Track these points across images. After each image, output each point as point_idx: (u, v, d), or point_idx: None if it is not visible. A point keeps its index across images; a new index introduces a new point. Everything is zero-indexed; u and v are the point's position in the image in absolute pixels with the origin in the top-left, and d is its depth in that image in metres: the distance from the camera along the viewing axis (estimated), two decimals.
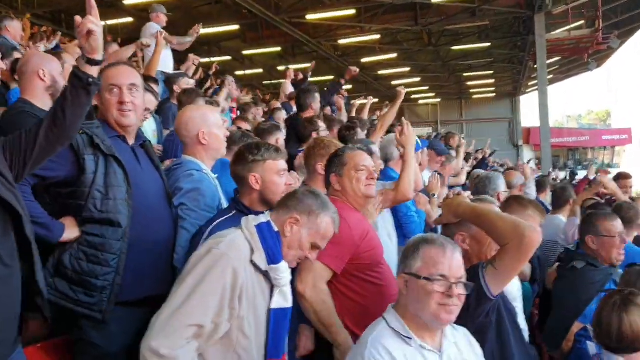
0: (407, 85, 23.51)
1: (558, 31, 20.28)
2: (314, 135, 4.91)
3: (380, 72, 25.96)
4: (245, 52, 21.65)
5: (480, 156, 14.70)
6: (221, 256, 2.05)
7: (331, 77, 21.41)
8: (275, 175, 2.64)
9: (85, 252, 2.45)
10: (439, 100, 36.12)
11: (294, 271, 2.41)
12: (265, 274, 2.15)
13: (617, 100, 67.42)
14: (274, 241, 2.16)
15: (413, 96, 32.19)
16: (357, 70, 7.44)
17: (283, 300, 2.21)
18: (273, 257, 2.14)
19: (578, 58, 24.04)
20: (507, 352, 2.37)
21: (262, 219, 2.21)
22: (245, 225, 2.19)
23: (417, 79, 28.16)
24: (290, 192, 2.37)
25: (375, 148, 4.03)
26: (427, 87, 31.16)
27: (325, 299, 2.57)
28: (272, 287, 2.18)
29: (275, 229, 2.19)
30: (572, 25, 19.47)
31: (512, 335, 2.43)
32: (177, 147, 4.28)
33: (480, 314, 2.31)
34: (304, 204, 2.23)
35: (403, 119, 3.83)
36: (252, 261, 2.10)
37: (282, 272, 2.17)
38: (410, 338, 2.01)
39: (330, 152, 3.07)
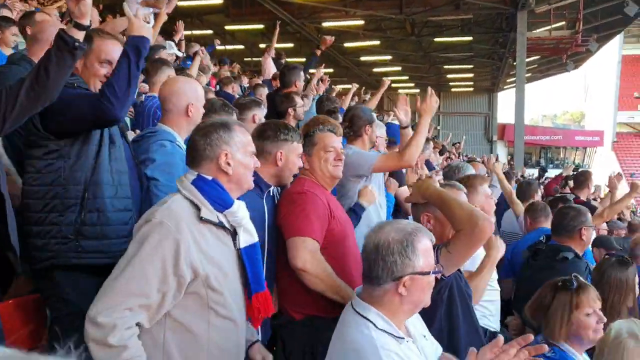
0: (387, 74, 23.63)
1: (539, 30, 20.56)
2: (291, 111, 4.95)
3: (362, 59, 25.98)
4: (227, 27, 21.43)
5: (454, 150, 14.94)
6: (157, 225, 2.01)
7: None
8: (297, 157, 2.85)
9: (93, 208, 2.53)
10: (417, 90, 36.29)
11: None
12: (220, 224, 2.14)
13: (591, 103, 68.48)
14: (215, 188, 2.13)
15: (393, 85, 32.22)
16: (332, 38, 7.39)
17: (249, 236, 2.23)
18: (223, 203, 2.13)
19: (557, 58, 24.40)
20: (455, 329, 2.53)
21: (191, 176, 2.16)
22: (182, 187, 2.14)
23: (398, 68, 28.28)
24: (193, 146, 2.24)
25: (377, 120, 4.15)
26: (407, 77, 31.27)
27: (326, 266, 2.65)
28: (234, 230, 2.18)
29: (209, 177, 2.15)
30: (553, 26, 19.76)
31: (462, 314, 2.57)
32: (147, 117, 4.27)
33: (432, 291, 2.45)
34: (214, 139, 2.17)
35: (429, 88, 3.91)
36: (202, 218, 2.08)
37: (239, 211, 2.17)
38: (402, 338, 1.96)
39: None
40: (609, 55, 54.62)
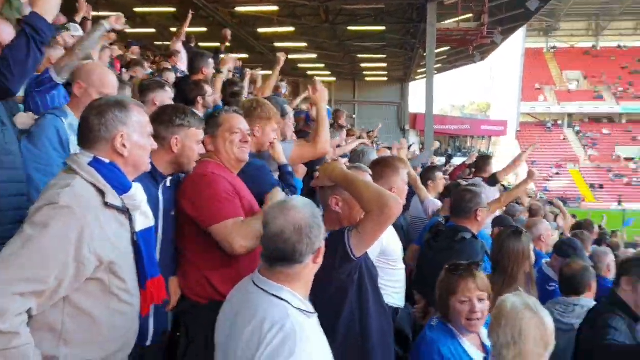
0: (303, 62, 23.57)
1: (448, 22, 21.25)
2: (199, 99, 4.83)
3: (277, 45, 25.77)
4: (137, 10, 20.61)
5: (364, 135, 15.14)
6: (64, 209, 1.92)
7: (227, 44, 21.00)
8: (195, 142, 2.75)
9: None
10: (334, 79, 36.61)
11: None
12: (123, 208, 2.08)
13: (496, 94, 71.92)
14: (114, 171, 2.07)
15: (309, 72, 32.34)
16: (229, 31, 7.32)
17: (145, 219, 2.19)
18: (123, 187, 2.07)
19: (464, 50, 25.35)
20: (365, 309, 2.56)
21: (86, 157, 2.06)
22: (80, 169, 2.04)
23: (314, 56, 28.33)
24: (86, 126, 2.15)
25: (290, 109, 4.13)
26: (323, 65, 31.43)
27: (253, 227, 2.60)
28: (130, 213, 2.12)
29: (106, 160, 2.08)
30: (461, 17, 20.49)
31: (372, 294, 2.60)
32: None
33: (342, 273, 2.48)
34: (109, 118, 2.09)
35: (315, 77, 3.91)
36: (106, 204, 2.02)
37: (137, 195, 2.12)
38: (313, 313, 1.98)
39: (272, 114, 3.27)
40: (513, 47, 57.53)
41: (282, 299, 1.90)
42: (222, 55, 7.25)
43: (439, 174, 6.37)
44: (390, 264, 3.27)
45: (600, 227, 15.78)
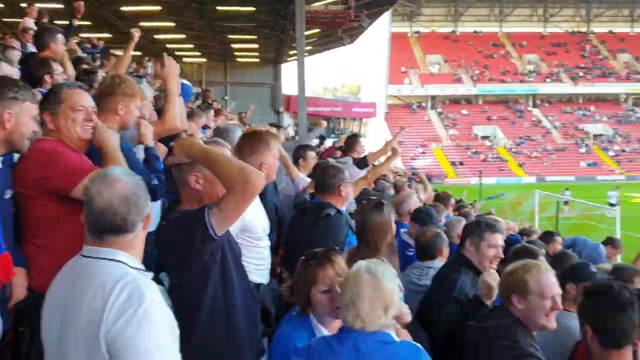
0: (171, 42, 22.62)
1: (317, 4, 21.52)
2: (47, 78, 4.48)
3: (142, 24, 24.61)
4: None
5: (236, 118, 14.97)
6: None
7: (88, 23, 19.74)
8: (30, 118, 2.58)
9: None
10: (204, 60, 35.76)
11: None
12: None
13: (366, 77, 74.31)
14: None
15: (178, 53, 31.28)
16: (82, 3, 6.88)
17: None
18: None
19: (334, 32, 25.86)
20: (229, 288, 2.50)
21: None
22: None
23: (182, 36, 27.45)
24: None
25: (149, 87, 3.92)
26: (192, 46, 30.56)
27: None
28: None
29: None
30: (329, 0, 20.83)
31: (235, 272, 2.55)
32: None
33: (204, 253, 2.39)
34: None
35: (164, 53, 3.75)
36: None
37: None
38: (150, 273, 2.00)
39: (135, 91, 3.14)
40: (380, 32, 59.65)
41: (118, 261, 1.86)
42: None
43: (311, 153, 6.43)
44: (253, 241, 3.21)
45: (460, 200, 17.01)
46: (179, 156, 2.56)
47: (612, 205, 30.64)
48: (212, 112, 7.40)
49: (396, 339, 2.31)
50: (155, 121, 3.61)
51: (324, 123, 13.81)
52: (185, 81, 3.97)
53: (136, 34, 5.44)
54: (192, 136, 2.75)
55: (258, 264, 3.28)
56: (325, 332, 2.59)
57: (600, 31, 75.28)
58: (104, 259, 1.85)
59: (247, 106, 22.52)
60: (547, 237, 6.71)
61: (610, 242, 7.73)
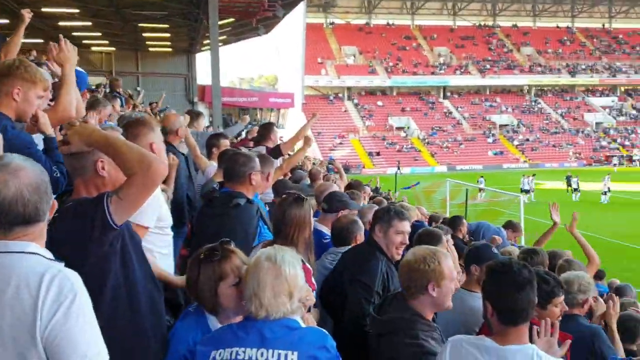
0: (77, 30, 21.64)
1: None
2: None
3: (44, 10, 23.28)
4: None
5: (149, 109, 14.50)
6: None
7: None
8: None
9: None
10: (113, 49, 34.35)
11: None
12: None
13: (282, 67, 74.24)
14: None
15: (84, 41, 29.87)
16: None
17: None
18: None
19: (248, 22, 25.56)
20: (131, 277, 2.40)
21: None
22: None
23: (88, 24, 26.17)
24: None
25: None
26: (100, 34, 29.23)
27: None
28: None
29: None
30: None
31: (136, 262, 2.44)
32: None
33: (103, 244, 2.28)
34: None
35: (61, 35, 3.53)
36: None
37: None
38: (61, 263, 1.92)
39: (38, 79, 3.00)
40: (295, 22, 59.65)
41: (33, 253, 1.79)
42: None
43: (224, 141, 6.32)
44: (164, 230, 3.11)
45: (376, 188, 17.37)
46: (77, 144, 2.43)
47: (525, 191, 32.71)
48: (117, 101, 7.08)
49: (302, 324, 2.30)
50: (47, 108, 3.38)
51: (247, 118, 13.65)
52: (79, 68, 3.74)
53: (27, 14, 5.08)
54: (86, 122, 2.57)
55: (166, 254, 3.17)
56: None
57: (505, 25, 79.03)
58: (16, 252, 1.77)
59: (159, 96, 21.90)
60: (453, 222, 6.97)
61: (510, 225, 8.19)
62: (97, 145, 2.38)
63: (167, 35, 30.78)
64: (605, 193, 32.37)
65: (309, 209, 3.39)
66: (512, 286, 2.39)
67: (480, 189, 32.65)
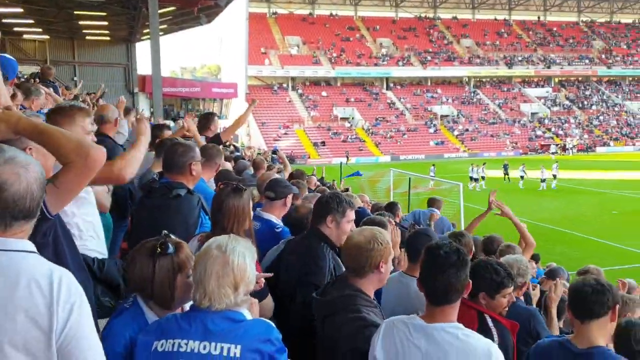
0: (7, 16, 20.69)
1: None
2: None
3: None
4: None
5: (88, 99, 14.03)
6: None
7: None
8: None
9: None
10: (47, 37, 32.98)
11: None
12: None
13: (225, 57, 73.25)
14: None
15: (16, 29, 28.57)
16: None
17: None
18: None
19: (190, 11, 25.05)
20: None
21: None
22: None
23: (19, 10, 25.01)
24: None
25: None
26: (32, 21, 27.97)
27: None
28: None
29: None
30: None
31: (69, 253, 2.38)
32: None
33: (37, 233, 2.19)
34: None
35: None
36: None
37: None
38: None
39: None
40: (238, 12, 58.95)
41: (31, 252, 1.82)
42: None
43: (168, 132, 6.24)
44: (87, 195, 3.01)
45: (321, 178, 17.46)
46: (2, 132, 2.30)
47: (474, 179, 33.91)
48: (51, 89, 6.83)
49: (248, 317, 2.26)
50: None
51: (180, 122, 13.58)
52: (8, 55, 3.57)
53: None
54: (9, 108, 2.43)
55: (94, 237, 3.05)
56: None
57: (445, 17, 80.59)
58: (17, 250, 1.76)
59: (98, 87, 21.22)
60: (390, 208, 7.22)
61: (432, 202, 8.79)
62: (25, 133, 2.29)
63: (105, 23, 29.77)
64: (543, 180, 33.84)
65: (248, 199, 3.32)
66: (437, 268, 2.48)
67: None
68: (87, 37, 34.35)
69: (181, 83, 48.15)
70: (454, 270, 2.46)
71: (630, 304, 4.36)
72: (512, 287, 3.29)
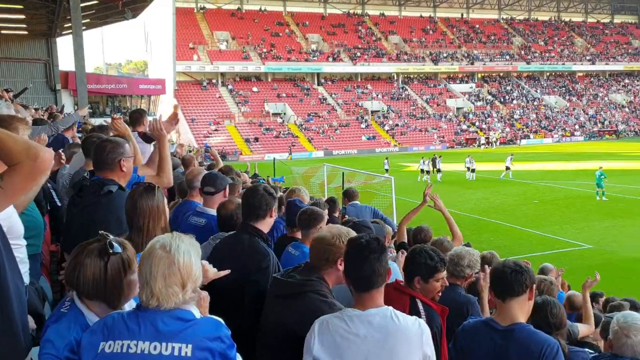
0: None
1: None
2: None
3: None
4: None
5: (6, 95, 13.35)
6: None
7: None
8: None
9: None
10: None
11: None
12: None
13: (152, 53, 71.40)
14: None
15: None
16: None
17: None
18: None
19: (114, 5, 24.30)
20: (2, 274, 2.28)
21: None
22: None
23: None
24: None
25: None
26: None
27: None
28: None
29: None
30: None
31: (8, 265, 2.32)
32: None
33: None
34: None
35: None
36: None
37: None
38: None
39: None
40: (165, 6, 57.55)
41: None
42: None
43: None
44: (17, 242, 2.91)
45: (255, 175, 17.41)
46: None
47: (425, 172, 35.08)
48: None
49: (197, 315, 2.27)
50: None
51: (86, 110, 13.00)
52: None
53: None
54: None
55: (21, 267, 2.97)
56: None
57: (373, 14, 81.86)
58: None
59: (19, 84, 20.26)
60: (331, 202, 7.34)
61: (346, 194, 9.33)
62: None
63: (22, 17, 28.39)
64: (473, 170, 35.24)
65: (161, 198, 3.25)
66: (361, 256, 2.64)
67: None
68: (2, 32, 32.64)
69: (106, 80, 46.69)
70: (376, 256, 2.62)
71: (551, 286, 4.65)
72: (444, 272, 3.46)
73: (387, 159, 39.29)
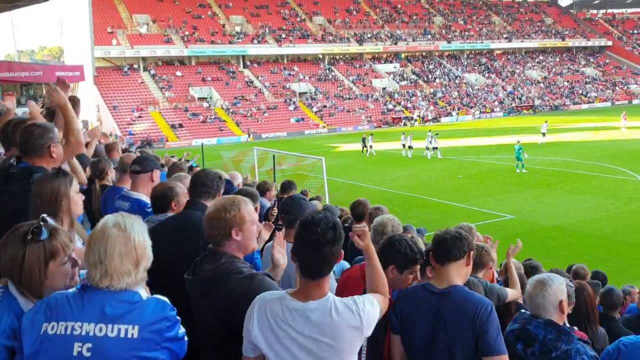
0: None
1: None
2: None
3: None
4: None
5: None
6: None
7: None
8: None
9: None
10: None
11: None
12: None
13: (68, 38, 68.18)
14: None
15: None
16: None
17: None
18: None
19: None
20: None
21: None
22: None
23: None
24: None
25: None
26: None
27: None
28: None
29: None
30: None
31: None
32: None
33: None
34: None
35: None
36: None
37: None
38: None
39: None
40: None
41: None
42: None
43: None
44: None
45: (188, 160, 17.19)
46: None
47: (409, 147, 35.57)
48: None
49: (144, 296, 2.26)
50: None
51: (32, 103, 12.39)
52: None
53: None
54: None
55: None
56: None
57: None
58: None
59: None
60: (264, 185, 7.40)
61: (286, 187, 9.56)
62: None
63: None
64: (429, 149, 35.77)
65: (65, 183, 3.14)
66: (313, 245, 2.49)
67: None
68: None
69: (19, 67, 44.11)
70: (329, 246, 2.49)
71: (483, 252, 4.85)
72: (419, 265, 3.45)
73: (372, 135, 39.95)
